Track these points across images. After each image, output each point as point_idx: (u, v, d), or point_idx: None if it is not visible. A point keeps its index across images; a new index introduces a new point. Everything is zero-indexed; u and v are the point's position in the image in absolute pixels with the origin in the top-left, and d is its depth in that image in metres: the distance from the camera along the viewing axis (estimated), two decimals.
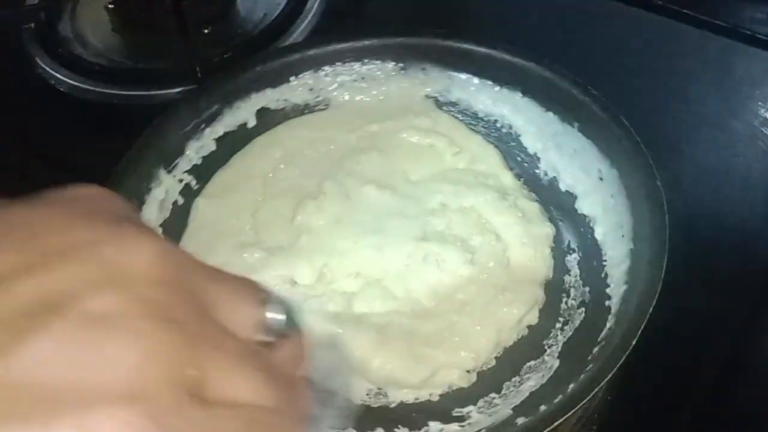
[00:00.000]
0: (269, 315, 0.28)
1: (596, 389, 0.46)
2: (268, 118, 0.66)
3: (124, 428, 0.22)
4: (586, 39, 0.77)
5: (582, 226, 0.60)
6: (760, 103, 0.71)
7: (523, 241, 0.59)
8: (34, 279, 0.23)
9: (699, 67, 0.74)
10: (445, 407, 0.52)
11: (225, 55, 0.77)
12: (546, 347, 0.55)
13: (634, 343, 0.47)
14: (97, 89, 0.76)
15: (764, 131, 0.69)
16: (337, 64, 0.67)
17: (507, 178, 0.63)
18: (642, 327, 0.47)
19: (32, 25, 0.81)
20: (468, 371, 0.54)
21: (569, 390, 0.47)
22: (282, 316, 0.29)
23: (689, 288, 0.57)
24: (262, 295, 0.29)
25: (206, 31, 0.82)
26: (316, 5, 0.83)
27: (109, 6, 0.83)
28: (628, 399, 0.55)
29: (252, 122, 0.66)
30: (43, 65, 0.78)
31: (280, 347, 0.29)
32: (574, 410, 0.45)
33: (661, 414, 0.55)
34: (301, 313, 0.31)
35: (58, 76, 0.77)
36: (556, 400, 0.47)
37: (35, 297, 0.23)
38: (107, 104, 0.75)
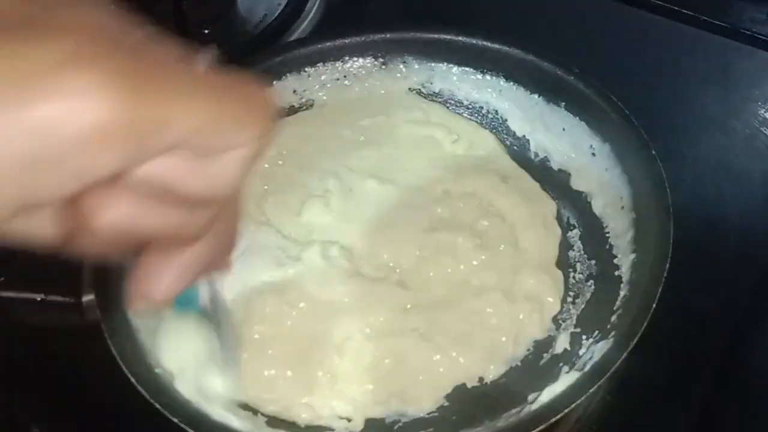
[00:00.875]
0: None
1: (624, 354, 0.46)
2: None
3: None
4: (585, 39, 0.76)
5: (579, 202, 0.61)
6: (759, 103, 0.71)
7: (531, 221, 0.60)
8: None
9: (699, 67, 0.74)
10: None
11: (225, 55, 0.77)
12: (561, 321, 0.56)
13: (654, 305, 0.47)
14: None
15: (764, 131, 0.69)
16: (319, 64, 0.67)
17: (505, 161, 0.64)
18: (659, 290, 0.48)
19: None
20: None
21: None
22: None
23: (689, 287, 0.57)
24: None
25: (206, 31, 0.82)
26: (316, 5, 0.82)
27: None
28: (628, 399, 0.55)
29: None
30: None
31: None
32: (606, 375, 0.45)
33: (660, 414, 0.55)
34: None
35: None
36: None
37: None
38: None
